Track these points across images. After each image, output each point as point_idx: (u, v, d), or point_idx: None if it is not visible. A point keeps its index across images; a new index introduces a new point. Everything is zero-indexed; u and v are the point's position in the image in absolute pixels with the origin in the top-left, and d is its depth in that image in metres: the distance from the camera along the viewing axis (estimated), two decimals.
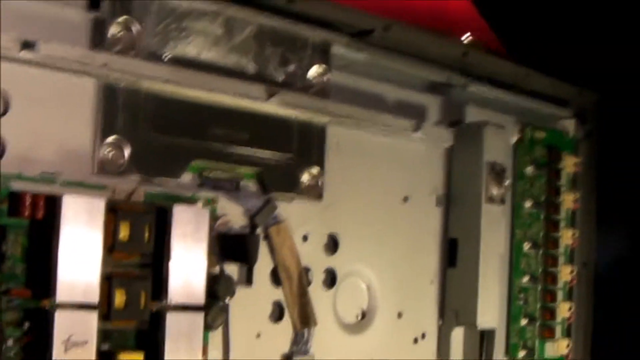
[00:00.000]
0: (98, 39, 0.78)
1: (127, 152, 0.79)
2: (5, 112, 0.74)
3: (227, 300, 0.83)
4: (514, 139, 1.12)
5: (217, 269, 0.83)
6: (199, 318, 0.79)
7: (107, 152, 0.78)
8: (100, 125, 0.78)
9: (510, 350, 1.10)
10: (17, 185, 0.73)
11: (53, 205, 0.73)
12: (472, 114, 1.08)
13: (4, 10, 0.73)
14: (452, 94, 1.07)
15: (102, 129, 0.79)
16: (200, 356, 0.79)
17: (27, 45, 0.73)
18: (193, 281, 0.79)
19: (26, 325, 0.73)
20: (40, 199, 0.73)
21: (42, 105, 0.75)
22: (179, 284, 0.78)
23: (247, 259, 0.84)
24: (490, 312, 1.02)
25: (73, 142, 0.77)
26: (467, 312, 1.01)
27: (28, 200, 0.72)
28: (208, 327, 0.81)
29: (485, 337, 1.04)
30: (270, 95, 0.87)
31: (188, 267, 0.79)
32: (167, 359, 0.77)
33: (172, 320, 0.78)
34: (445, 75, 1.05)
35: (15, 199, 0.72)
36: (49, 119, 0.76)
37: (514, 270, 1.10)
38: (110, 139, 0.79)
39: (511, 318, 1.10)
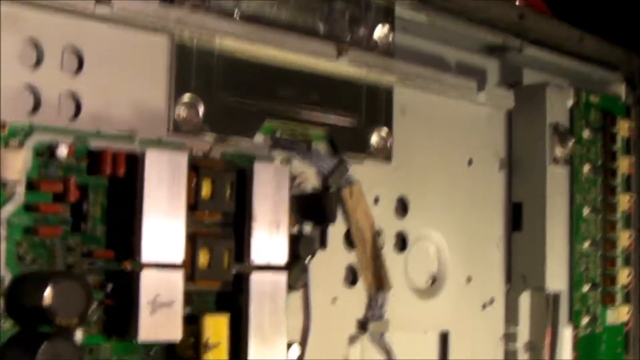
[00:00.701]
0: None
1: (201, 111, 0.75)
2: (79, 69, 0.70)
3: (307, 260, 0.79)
4: (571, 102, 1.08)
5: (296, 229, 0.79)
6: (282, 278, 0.75)
7: (182, 110, 0.75)
8: (175, 84, 0.75)
9: (573, 317, 1.05)
10: (95, 144, 0.69)
11: (135, 163, 0.69)
12: (529, 77, 1.05)
13: None
14: (509, 57, 1.03)
15: (177, 88, 0.75)
16: (284, 317, 0.75)
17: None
18: (275, 241, 0.75)
19: (108, 287, 0.69)
20: (121, 156, 0.69)
21: (115, 63, 0.72)
22: (261, 244, 0.74)
23: (325, 217, 0.80)
24: (558, 274, 0.98)
25: (147, 101, 0.73)
26: (535, 276, 0.98)
27: (109, 158, 0.68)
28: (290, 287, 0.77)
29: (552, 301, 1.00)
30: (340, 53, 0.83)
31: (270, 226, 0.75)
32: (252, 320, 0.73)
33: (256, 281, 0.74)
34: (502, 38, 1.01)
35: (95, 157, 0.68)
36: (122, 76, 0.72)
37: (574, 235, 1.05)
38: (185, 97, 0.75)
39: (574, 284, 1.06)
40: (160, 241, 0.68)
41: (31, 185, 0.65)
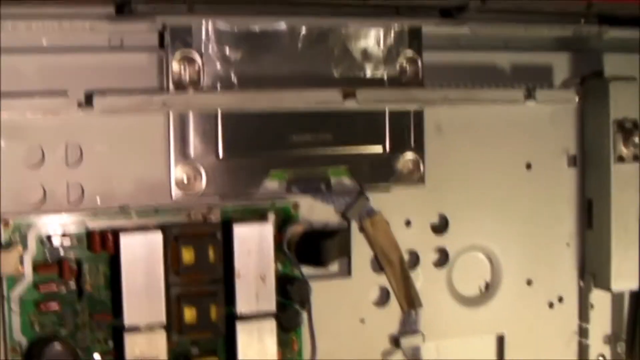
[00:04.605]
0: (163, 77, 0.81)
1: (203, 174, 0.82)
2: (80, 160, 0.79)
3: (305, 301, 0.84)
4: None
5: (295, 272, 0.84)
6: (270, 324, 0.82)
7: (181, 177, 0.82)
8: (174, 153, 0.81)
9: None
10: (92, 224, 0.79)
11: (118, 241, 0.79)
12: (612, 62, 0.97)
13: (69, 67, 0.78)
14: (585, 46, 0.96)
15: (176, 156, 0.81)
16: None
17: (86, 101, 0.78)
18: (261, 291, 0.81)
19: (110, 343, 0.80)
20: (108, 236, 0.79)
21: (113, 146, 0.80)
22: (247, 295, 0.81)
23: (321, 261, 0.85)
24: (627, 274, 0.94)
25: (148, 173, 0.81)
26: (602, 275, 0.94)
27: (97, 239, 0.79)
28: (285, 329, 0.83)
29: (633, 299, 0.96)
30: (346, 96, 0.85)
31: (255, 279, 0.81)
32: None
33: (244, 329, 0.81)
34: (572, 29, 0.95)
35: (89, 237, 0.79)
36: (121, 156, 0.80)
37: None
38: (185, 164, 0.82)
39: None
40: (142, 306, 0.78)
41: (36, 268, 0.78)
